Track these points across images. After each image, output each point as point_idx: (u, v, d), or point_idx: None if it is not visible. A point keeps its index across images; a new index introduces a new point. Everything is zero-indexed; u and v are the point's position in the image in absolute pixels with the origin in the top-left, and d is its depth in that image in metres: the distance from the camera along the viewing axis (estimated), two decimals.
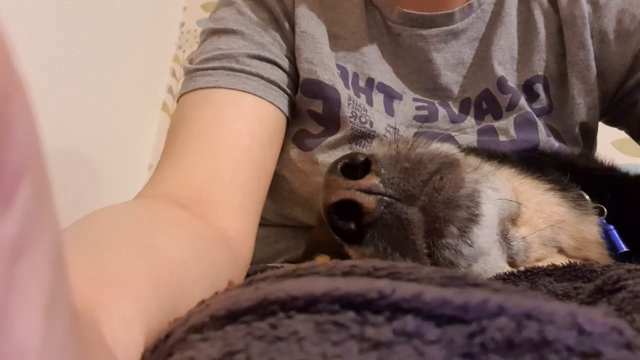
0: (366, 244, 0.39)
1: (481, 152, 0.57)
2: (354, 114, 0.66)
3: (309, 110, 0.69)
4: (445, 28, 0.73)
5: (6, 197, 0.12)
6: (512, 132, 0.69)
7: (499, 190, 0.44)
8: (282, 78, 0.68)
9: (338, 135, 0.67)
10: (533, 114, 0.70)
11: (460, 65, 0.74)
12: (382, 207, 0.39)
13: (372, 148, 0.48)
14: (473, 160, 0.45)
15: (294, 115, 0.71)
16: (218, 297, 0.24)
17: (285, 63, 0.69)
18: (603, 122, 0.78)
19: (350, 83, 0.71)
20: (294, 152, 0.69)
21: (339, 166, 0.41)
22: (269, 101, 0.64)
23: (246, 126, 0.61)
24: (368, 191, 0.39)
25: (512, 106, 0.71)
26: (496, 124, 0.70)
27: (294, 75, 0.70)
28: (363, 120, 0.67)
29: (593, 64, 0.70)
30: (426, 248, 0.39)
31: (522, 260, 0.45)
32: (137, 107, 1.44)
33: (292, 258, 0.75)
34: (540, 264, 0.43)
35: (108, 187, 1.27)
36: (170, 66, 1.63)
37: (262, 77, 0.65)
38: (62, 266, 0.15)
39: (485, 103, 0.73)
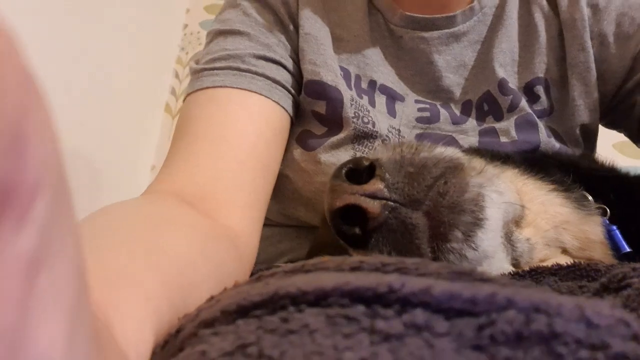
0: (371, 249, 0.40)
1: (485, 153, 0.57)
2: (356, 114, 0.67)
3: (313, 110, 0.69)
4: (446, 30, 0.73)
5: (22, 213, 0.12)
6: (513, 133, 0.69)
7: (503, 194, 0.44)
8: (286, 78, 0.69)
9: (341, 135, 0.67)
10: (534, 115, 0.71)
11: (462, 67, 0.74)
12: (387, 212, 0.39)
13: (376, 152, 0.48)
14: (477, 163, 0.45)
15: (298, 115, 0.71)
16: (228, 293, 0.24)
17: (289, 64, 0.70)
18: (602, 124, 0.79)
19: (352, 84, 0.71)
20: (297, 152, 0.69)
21: (343, 171, 0.41)
22: (274, 101, 0.65)
23: (252, 125, 0.61)
24: (373, 196, 0.39)
25: (513, 108, 0.71)
26: (497, 125, 0.71)
27: (298, 76, 0.71)
28: (365, 120, 0.67)
29: (593, 66, 0.71)
30: (431, 252, 0.39)
31: (526, 262, 0.45)
32: (140, 108, 1.44)
33: (296, 258, 0.75)
34: (544, 264, 0.43)
35: (110, 188, 1.27)
36: (173, 68, 1.63)
37: (267, 77, 0.66)
38: (84, 276, 0.16)
39: (487, 105, 0.73)
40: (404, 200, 0.40)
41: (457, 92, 0.74)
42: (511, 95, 0.71)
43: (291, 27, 0.71)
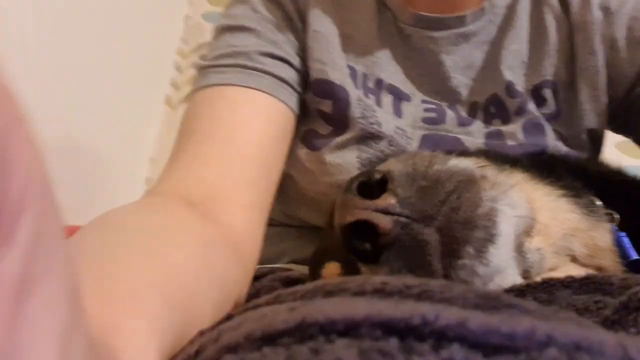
0: (382, 264, 0.39)
1: (493, 156, 0.57)
2: (362, 114, 0.66)
3: (319, 109, 0.69)
4: (456, 30, 0.72)
5: (6, 235, 0.12)
6: (520, 136, 0.69)
7: (516, 207, 0.43)
8: (293, 76, 0.68)
9: (346, 135, 0.67)
10: (541, 118, 0.70)
11: (470, 68, 0.74)
12: (399, 228, 0.39)
13: (388, 164, 0.47)
14: (491, 173, 0.44)
15: (303, 114, 0.71)
16: (249, 315, 0.23)
17: (296, 61, 0.69)
18: (610, 129, 0.78)
19: (360, 84, 0.70)
20: (302, 152, 0.69)
21: (355, 185, 0.41)
22: (280, 99, 0.64)
23: (258, 124, 0.61)
24: (384, 211, 0.39)
25: (520, 111, 0.71)
26: (504, 128, 0.70)
27: (304, 73, 0.70)
28: (372, 121, 0.66)
29: (603, 70, 0.70)
30: (442, 269, 0.39)
31: (537, 272, 0.45)
32: (141, 100, 1.42)
33: (297, 258, 0.75)
34: (554, 274, 0.43)
35: (110, 180, 1.26)
36: (175, 59, 1.61)
37: (274, 75, 0.65)
38: (76, 297, 0.15)
39: (494, 107, 0.72)
40: (416, 215, 0.39)
41: (464, 93, 0.74)
42: (519, 98, 0.71)
43: (299, 24, 0.70)
